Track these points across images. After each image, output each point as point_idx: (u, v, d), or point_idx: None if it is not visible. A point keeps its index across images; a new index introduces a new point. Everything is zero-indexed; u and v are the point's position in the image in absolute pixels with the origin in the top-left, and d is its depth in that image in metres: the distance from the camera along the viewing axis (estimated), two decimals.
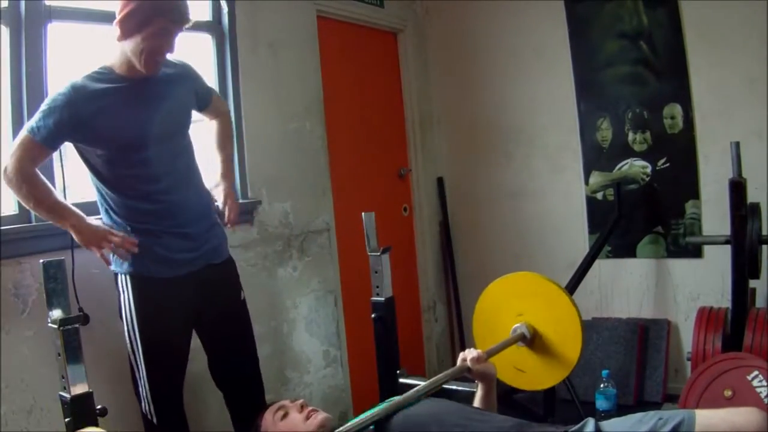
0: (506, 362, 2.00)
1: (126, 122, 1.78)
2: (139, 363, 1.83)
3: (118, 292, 1.86)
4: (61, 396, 1.52)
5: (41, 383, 1.81)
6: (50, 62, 1.96)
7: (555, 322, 1.96)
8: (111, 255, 1.83)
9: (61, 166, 1.92)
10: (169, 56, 1.84)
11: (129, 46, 1.74)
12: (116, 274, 1.87)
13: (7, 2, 1.88)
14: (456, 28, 3.71)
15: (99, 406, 1.52)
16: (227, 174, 2.15)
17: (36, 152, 1.71)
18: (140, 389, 1.85)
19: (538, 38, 3.45)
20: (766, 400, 2.18)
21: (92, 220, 1.80)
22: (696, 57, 3.01)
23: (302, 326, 2.84)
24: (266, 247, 2.66)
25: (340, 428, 1.42)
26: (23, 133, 1.72)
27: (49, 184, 1.76)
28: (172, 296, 1.86)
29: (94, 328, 1.75)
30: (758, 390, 2.20)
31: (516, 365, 2.02)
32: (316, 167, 2.98)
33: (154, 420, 1.84)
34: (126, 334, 1.84)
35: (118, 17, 1.73)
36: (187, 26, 1.79)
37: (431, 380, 1.71)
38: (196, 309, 1.95)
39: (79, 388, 1.50)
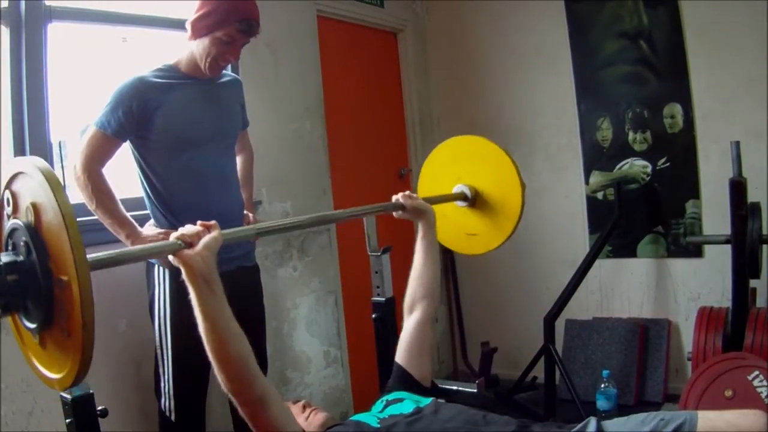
0: (457, 231, 2.07)
1: (187, 118, 1.85)
2: (166, 358, 1.84)
3: (153, 283, 1.87)
4: (61, 397, 1.51)
5: (42, 384, 1.80)
6: (50, 62, 1.96)
7: (495, 180, 2.01)
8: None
9: (62, 166, 1.92)
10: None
11: (197, 47, 1.82)
12: (151, 265, 1.88)
13: (7, 2, 1.88)
14: (456, 28, 3.71)
15: (100, 408, 1.52)
16: (249, 208, 2.17)
17: (107, 147, 1.76)
18: (162, 385, 1.85)
19: (538, 38, 3.45)
20: (766, 401, 2.18)
21: (146, 230, 1.83)
22: (696, 57, 3.01)
23: (303, 326, 2.84)
24: (266, 247, 2.66)
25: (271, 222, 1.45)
26: (92, 128, 1.76)
27: (113, 190, 1.78)
28: None
29: (95, 329, 1.75)
30: (759, 390, 2.21)
31: (466, 231, 2.06)
32: (316, 167, 2.98)
33: (173, 417, 1.83)
34: (156, 327, 1.85)
35: (191, 17, 1.81)
36: (254, 38, 1.86)
37: (362, 207, 1.82)
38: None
39: (80, 389, 1.50)
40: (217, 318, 1.22)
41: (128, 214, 1.81)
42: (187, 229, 1.24)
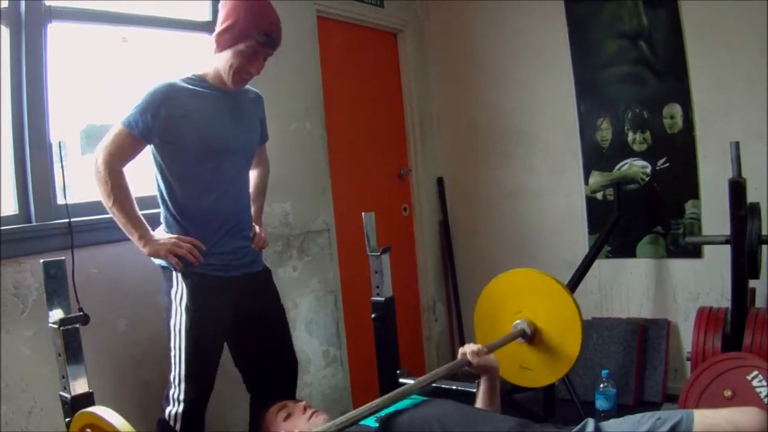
0: (511, 361, 2.01)
1: (213, 127, 1.88)
2: (178, 364, 1.82)
3: (170, 287, 1.86)
4: (61, 396, 1.52)
5: (41, 383, 1.81)
6: (50, 62, 1.96)
7: (554, 317, 1.97)
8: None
9: (62, 166, 1.92)
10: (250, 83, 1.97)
11: (220, 60, 1.87)
12: (167, 271, 1.87)
13: (7, 2, 1.88)
14: (456, 28, 3.71)
15: None
16: (258, 220, 2.17)
17: (131, 146, 1.80)
18: (172, 391, 1.83)
19: (538, 38, 3.45)
20: (766, 400, 2.18)
21: (157, 234, 1.85)
22: (696, 57, 3.02)
23: (302, 326, 2.84)
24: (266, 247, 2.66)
25: (341, 418, 1.41)
26: (118, 126, 1.79)
27: (131, 190, 1.80)
28: (223, 297, 1.89)
29: (95, 328, 1.75)
30: (758, 390, 2.21)
31: (521, 364, 2.03)
32: (316, 167, 2.98)
33: (178, 426, 1.81)
34: (171, 331, 1.84)
35: (216, 30, 1.86)
36: (275, 51, 1.92)
37: (430, 374, 1.71)
38: (234, 315, 1.96)
39: (80, 388, 1.50)
40: None
41: (142, 217, 1.82)
42: None
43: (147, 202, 2.00)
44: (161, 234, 1.87)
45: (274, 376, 2.06)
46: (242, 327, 1.99)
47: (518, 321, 2.00)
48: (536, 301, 2.00)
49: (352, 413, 1.43)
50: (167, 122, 1.80)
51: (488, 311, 2.12)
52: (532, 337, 1.98)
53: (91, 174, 1.80)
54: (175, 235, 1.84)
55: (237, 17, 1.82)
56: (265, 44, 1.86)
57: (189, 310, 1.82)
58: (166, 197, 1.88)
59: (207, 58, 1.93)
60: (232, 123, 1.94)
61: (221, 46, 1.85)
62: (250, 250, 2.00)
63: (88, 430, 1.14)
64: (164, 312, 1.88)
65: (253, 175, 2.18)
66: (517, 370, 2.04)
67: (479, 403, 1.73)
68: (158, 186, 1.91)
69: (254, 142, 2.08)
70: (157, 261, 1.87)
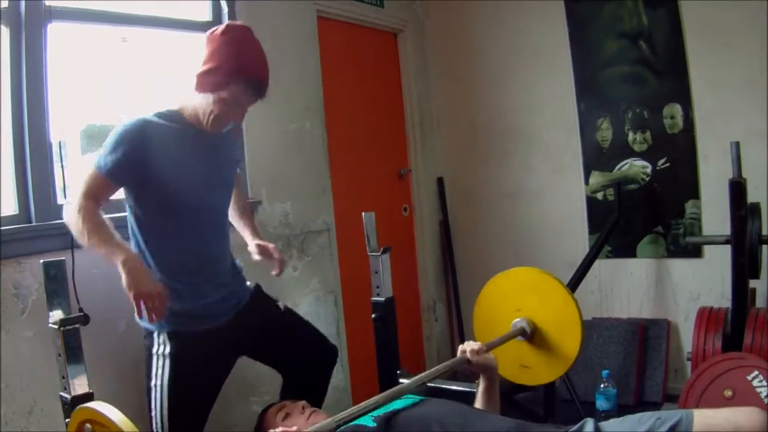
0: (510, 359, 2.00)
1: (187, 167, 1.77)
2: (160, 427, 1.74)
3: (150, 351, 1.78)
4: (61, 396, 1.52)
5: (41, 383, 1.81)
6: (50, 62, 1.96)
7: (554, 315, 1.96)
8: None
9: (62, 166, 1.92)
10: None
11: (200, 101, 1.74)
12: (149, 332, 1.79)
13: (7, 2, 1.88)
14: (456, 28, 3.71)
15: None
16: (258, 236, 2.13)
17: (102, 188, 1.68)
18: None
19: (538, 38, 3.45)
20: (766, 400, 2.18)
21: (146, 266, 1.69)
22: (696, 57, 3.01)
23: None
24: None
25: (339, 415, 1.41)
26: (89, 169, 1.69)
27: (109, 224, 1.67)
28: (210, 351, 1.80)
29: (95, 328, 1.75)
30: (758, 390, 2.20)
31: (520, 362, 2.02)
32: (316, 167, 2.98)
33: None
34: (153, 391, 1.76)
35: (199, 69, 1.71)
36: (263, 99, 1.77)
37: (430, 371, 1.70)
38: (240, 349, 1.93)
39: (80, 389, 1.50)
40: None
41: (117, 239, 1.66)
42: None
43: None
44: (149, 276, 1.65)
45: (310, 359, 2.03)
46: (257, 348, 1.97)
47: (518, 319, 2.00)
48: (536, 300, 2.00)
49: (349, 410, 1.43)
50: (139, 161, 1.67)
51: (488, 309, 2.12)
52: (532, 335, 1.98)
53: (70, 180, 1.72)
54: (161, 286, 1.64)
55: (220, 62, 1.68)
56: (251, 94, 1.73)
57: (172, 371, 1.73)
58: (141, 243, 1.78)
59: (185, 93, 1.79)
60: (209, 160, 1.82)
61: (202, 88, 1.72)
62: (232, 295, 1.91)
63: (87, 425, 1.14)
64: (143, 366, 1.79)
65: (232, 201, 2.08)
66: (516, 368, 2.04)
67: (479, 401, 1.73)
68: (131, 230, 1.81)
69: (231, 175, 1.97)
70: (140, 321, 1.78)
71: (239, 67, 1.69)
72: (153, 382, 1.77)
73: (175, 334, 1.76)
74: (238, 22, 1.80)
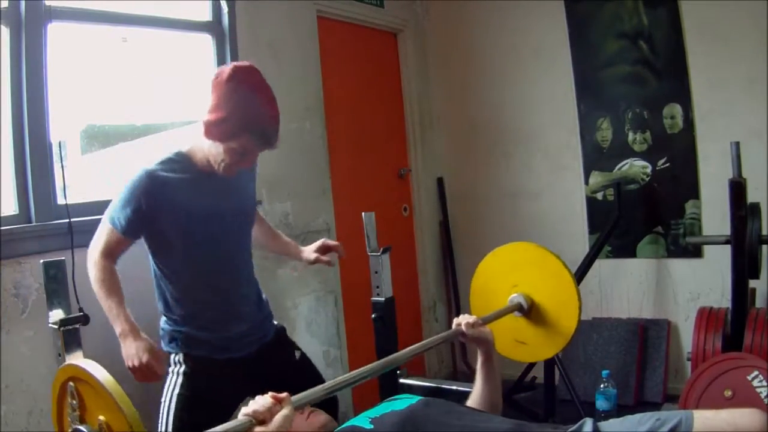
0: (507, 336, 1.98)
1: (201, 215, 1.75)
2: None
3: (167, 369, 1.78)
4: None
5: (41, 383, 1.81)
6: (50, 62, 1.96)
7: (551, 290, 1.93)
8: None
9: (62, 166, 1.92)
10: None
11: (211, 148, 1.71)
12: (167, 353, 1.80)
13: (7, 2, 1.88)
14: (456, 28, 3.71)
15: None
16: (297, 246, 2.15)
17: (117, 243, 1.70)
18: None
19: (537, 38, 3.45)
20: (766, 401, 2.18)
21: (141, 336, 1.69)
22: (696, 57, 3.02)
23: (302, 326, 2.84)
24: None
25: (328, 383, 1.40)
26: (105, 223, 1.71)
27: (119, 285, 1.70)
28: (225, 377, 1.79)
29: (95, 328, 1.75)
30: (758, 390, 2.20)
31: (516, 338, 2.00)
32: (316, 167, 2.98)
33: None
34: (161, 412, 1.75)
35: (206, 116, 1.67)
36: (274, 147, 1.74)
37: (423, 342, 1.67)
38: (254, 384, 1.87)
39: None
40: None
41: (128, 313, 1.68)
42: (259, 404, 1.19)
43: None
44: (141, 339, 1.67)
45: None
46: (269, 383, 1.96)
47: (514, 294, 1.97)
48: (533, 275, 1.97)
49: (336, 380, 1.41)
50: (152, 214, 1.68)
51: (484, 286, 2.09)
52: (529, 311, 1.96)
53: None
54: (149, 349, 1.65)
55: (229, 112, 1.63)
56: (261, 144, 1.70)
57: (183, 388, 1.73)
58: (162, 285, 1.80)
59: (193, 135, 1.77)
60: (224, 203, 1.80)
61: (211, 137, 1.68)
62: (257, 329, 1.91)
63: (70, 383, 1.12)
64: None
65: (259, 231, 2.08)
66: (513, 345, 2.00)
67: (478, 377, 1.72)
68: (153, 275, 1.82)
69: (252, 213, 1.96)
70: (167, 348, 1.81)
71: (248, 119, 1.65)
72: (162, 398, 1.77)
73: (193, 356, 1.77)
74: (245, 64, 1.73)
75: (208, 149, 1.71)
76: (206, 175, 1.75)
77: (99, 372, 1.07)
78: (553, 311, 1.93)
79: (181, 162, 1.74)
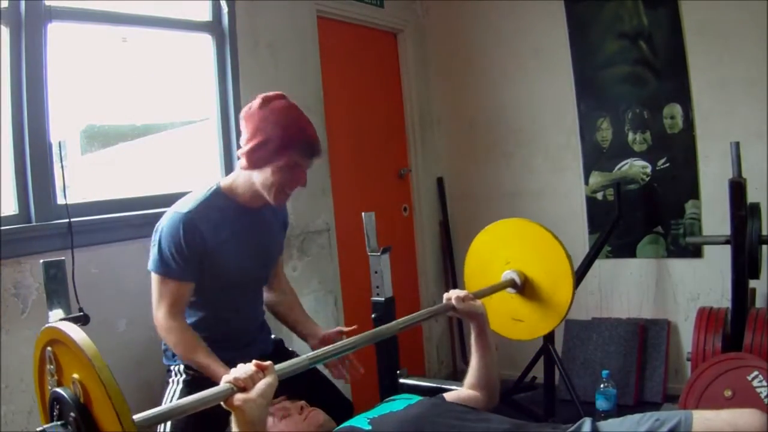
0: (504, 315, 1.98)
1: (238, 257, 1.78)
2: None
3: (167, 379, 1.82)
4: None
5: None
6: (50, 62, 1.96)
7: (544, 265, 1.93)
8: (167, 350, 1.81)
9: (62, 166, 1.92)
10: None
11: (257, 177, 1.72)
12: (168, 366, 1.82)
13: (7, 2, 1.88)
14: (456, 28, 3.71)
15: None
16: (315, 327, 2.10)
17: (178, 291, 1.69)
18: None
19: (537, 38, 3.45)
20: (766, 401, 2.18)
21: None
22: (696, 57, 3.02)
23: None
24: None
25: (314, 352, 1.39)
26: (158, 280, 1.70)
27: (197, 340, 1.69)
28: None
29: (95, 328, 1.75)
30: (758, 390, 2.20)
31: (513, 316, 1.99)
32: (316, 167, 2.95)
33: None
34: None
35: (244, 147, 1.70)
36: (317, 160, 1.77)
37: (412, 315, 1.68)
38: None
39: None
40: None
41: (215, 358, 1.67)
42: (241, 371, 1.18)
43: (157, 200, 1.99)
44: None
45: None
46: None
47: (507, 271, 1.97)
48: (525, 251, 1.96)
49: (323, 349, 1.43)
50: (200, 256, 1.70)
51: (477, 264, 2.08)
52: (523, 287, 1.95)
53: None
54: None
55: (268, 134, 1.67)
56: (308, 155, 1.72)
57: (182, 394, 1.73)
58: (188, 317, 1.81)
59: (235, 172, 1.80)
60: (259, 242, 1.84)
61: (255, 165, 1.70)
62: (258, 344, 1.94)
63: (48, 348, 1.11)
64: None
65: (287, 296, 2.08)
66: (510, 323, 2.00)
67: (473, 353, 1.72)
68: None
69: (278, 251, 2.01)
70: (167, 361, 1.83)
71: (289, 134, 1.69)
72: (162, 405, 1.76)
73: (194, 367, 1.75)
74: (270, 93, 1.78)
75: (255, 181, 1.73)
76: (249, 211, 1.79)
77: (71, 329, 1.07)
78: (548, 286, 1.92)
79: (225, 198, 1.77)
